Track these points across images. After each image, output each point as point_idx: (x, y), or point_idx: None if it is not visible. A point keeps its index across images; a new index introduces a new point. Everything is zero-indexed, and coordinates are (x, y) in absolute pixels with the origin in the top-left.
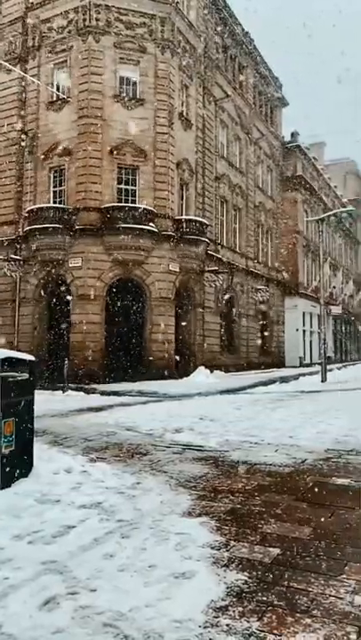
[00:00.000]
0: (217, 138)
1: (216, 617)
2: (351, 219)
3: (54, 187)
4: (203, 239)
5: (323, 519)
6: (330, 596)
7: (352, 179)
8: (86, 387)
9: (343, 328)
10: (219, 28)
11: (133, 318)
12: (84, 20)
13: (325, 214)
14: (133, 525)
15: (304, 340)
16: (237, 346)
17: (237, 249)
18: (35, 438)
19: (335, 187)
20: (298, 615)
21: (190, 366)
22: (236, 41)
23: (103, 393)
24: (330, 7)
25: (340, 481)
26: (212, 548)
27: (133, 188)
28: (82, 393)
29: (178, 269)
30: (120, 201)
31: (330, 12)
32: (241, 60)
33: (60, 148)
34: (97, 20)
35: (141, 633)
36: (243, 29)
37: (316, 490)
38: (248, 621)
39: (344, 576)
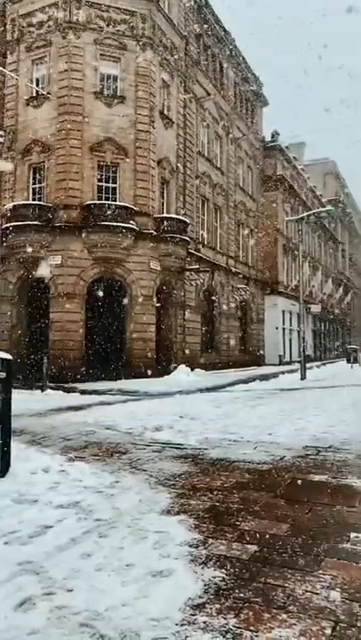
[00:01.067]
0: (198, 136)
1: (193, 614)
2: (330, 218)
3: (33, 184)
4: (184, 238)
5: (300, 516)
6: (306, 591)
7: (331, 179)
8: (66, 385)
9: (322, 326)
10: (200, 27)
11: (114, 317)
12: (65, 15)
13: (305, 214)
14: (111, 524)
15: (284, 339)
16: (218, 344)
17: (218, 248)
18: (12, 438)
19: (315, 187)
20: (274, 611)
21: (171, 364)
22: (217, 40)
23: (83, 392)
24: (309, 9)
25: (317, 478)
26: (191, 545)
27: (114, 185)
28: (61, 392)
29: (159, 268)
30: (100, 198)
31: (310, 13)
32: (222, 59)
33: (40, 144)
34: (77, 16)
35: (118, 632)
36: (224, 28)
37: (294, 487)
38: (225, 618)
39: (320, 571)
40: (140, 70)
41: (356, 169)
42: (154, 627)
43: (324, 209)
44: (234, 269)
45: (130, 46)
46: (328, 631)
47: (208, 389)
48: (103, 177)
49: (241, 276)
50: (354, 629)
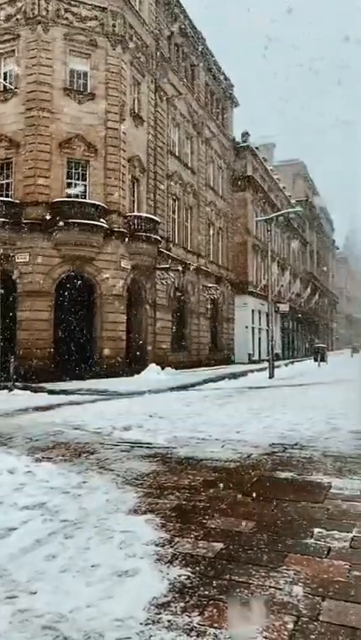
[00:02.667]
0: (169, 135)
1: (158, 613)
2: (299, 219)
3: (0, 180)
4: (154, 236)
5: (266, 512)
6: (270, 587)
7: (301, 180)
8: (34, 385)
9: (291, 325)
10: (171, 26)
11: (84, 315)
12: (33, 9)
13: (274, 214)
14: (78, 525)
15: (253, 338)
16: (188, 343)
17: (189, 247)
18: None
19: (284, 187)
20: (238, 608)
21: (141, 363)
22: (189, 40)
23: (51, 392)
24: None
25: (283, 475)
26: (157, 545)
27: (84, 183)
28: (29, 392)
29: (129, 266)
30: (70, 196)
31: (281, 16)
32: (193, 59)
33: (7, 140)
34: (46, 9)
35: (81, 633)
36: (195, 29)
37: (261, 484)
38: (189, 616)
39: (284, 567)
40: (111, 68)
41: (324, 170)
42: (118, 627)
43: (292, 210)
44: (204, 269)
45: (100, 43)
46: (290, 626)
47: (178, 388)
48: (73, 174)
49: (212, 275)
50: (315, 623)
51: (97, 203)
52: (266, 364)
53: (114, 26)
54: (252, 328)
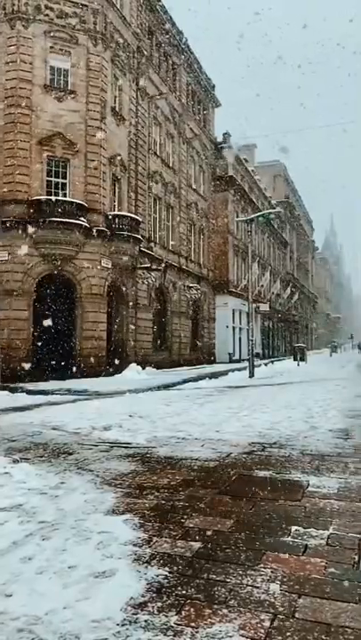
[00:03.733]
0: (150, 135)
1: (135, 614)
2: (279, 220)
3: None
4: (136, 236)
5: (244, 511)
6: (247, 585)
7: (281, 181)
8: (12, 385)
9: (271, 325)
10: (152, 25)
11: (64, 315)
12: (13, 4)
13: (254, 215)
14: (55, 526)
15: (234, 337)
16: (169, 342)
17: (170, 247)
18: None
19: (265, 188)
20: (215, 607)
21: (122, 363)
22: (170, 39)
23: (30, 392)
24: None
25: (262, 473)
26: (135, 545)
27: (64, 181)
28: (7, 392)
29: (110, 266)
30: (50, 194)
31: (268, 19)
32: (175, 58)
33: None
34: (26, 5)
35: (57, 635)
36: (177, 28)
37: (239, 483)
38: (167, 616)
39: (261, 565)
40: (92, 65)
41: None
42: (94, 628)
43: (272, 210)
44: (186, 268)
45: (81, 40)
46: (267, 623)
47: (159, 388)
48: (53, 172)
49: (193, 275)
50: (292, 620)
51: (77, 201)
52: (246, 364)
53: (95, 23)
54: (233, 328)
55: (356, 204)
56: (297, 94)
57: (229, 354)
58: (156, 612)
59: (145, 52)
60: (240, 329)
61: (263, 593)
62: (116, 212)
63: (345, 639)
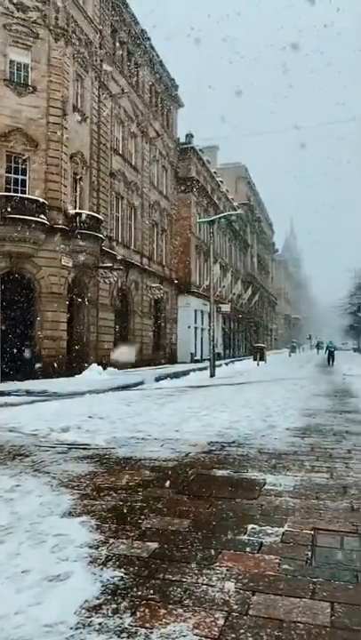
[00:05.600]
0: (112, 133)
1: (89, 617)
2: (241, 222)
3: None
4: (97, 234)
5: (201, 511)
6: (202, 584)
7: (242, 183)
8: None
9: (232, 325)
10: (115, 23)
11: (23, 314)
12: None
13: (216, 216)
14: (9, 530)
15: (196, 337)
16: (131, 342)
17: (133, 246)
18: None
19: (227, 190)
20: (170, 607)
21: (83, 363)
22: (133, 38)
23: None
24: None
25: (220, 472)
26: (91, 547)
27: (23, 177)
28: None
29: (70, 264)
30: (9, 190)
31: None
32: (137, 57)
33: None
34: None
35: None
36: (140, 27)
37: (198, 482)
38: (121, 618)
39: (217, 564)
40: (53, 61)
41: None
42: (47, 633)
43: (234, 212)
44: (148, 268)
45: (42, 35)
46: (221, 622)
47: (120, 388)
48: (12, 168)
49: (155, 275)
50: (245, 617)
51: (37, 198)
52: (208, 364)
53: (56, 18)
54: (195, 328)
55: (317, 207)
56: (257, 96)
57: (191, 354)
58: (110, 614)
59: (108, 50)
60: (202, 329)
61: (218, 591)
62: (77, 211)
63: (297, 634)
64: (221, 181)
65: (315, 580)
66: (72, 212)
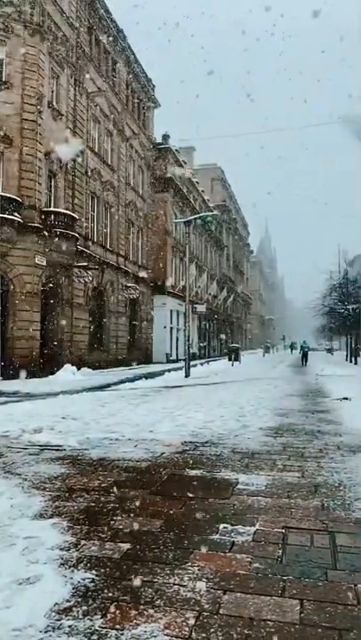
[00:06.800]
0: (88, 131)
1: (59, 619)
2: (216, 223)
3: None
4: (72, 233)
5: (174, 511)
6: (174, 584)
7: (218, 184)
8: None
9: (207, 326)
10: (92, 20)
11: None
12: None
13: (192, 217)
14: None
15: (171, 337)
16: (106, 343)
17: (108, 246)
18: None
19: (203, 191)
20: (141, 607)
21: (57, 364)
22: (110, 36)
23: None
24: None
25: (193, 472)
26: (62, 549)
27: None
28: None
29: (44, 263)
30: None
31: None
32: (114, 55)
33: None
34: None
35: None
36: (117, 26)
37: (171, 482)
38: (91, 620)
39: (189, 564)
40: (28, 57)
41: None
42: (16, 637)
43: (210, 213)
44: (124, 268)
45: (17, 30)
46: (191, 621)
47: (94, 388)
48: None
49: (131, 274)
50: (216, 617)
51: (11, 196)
52: (183, 364)
53: (32, 14)
54: (171, 328)
55: (290, 208)
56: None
57: (167, 354)
58: (80, 616)
59: (85, 48)
60: (178, 329)
61: (190, 591)
62: (51, 209)
63: (266, 632)
64: (197, 182)
65: (285, 578)
66: (46, 210)
